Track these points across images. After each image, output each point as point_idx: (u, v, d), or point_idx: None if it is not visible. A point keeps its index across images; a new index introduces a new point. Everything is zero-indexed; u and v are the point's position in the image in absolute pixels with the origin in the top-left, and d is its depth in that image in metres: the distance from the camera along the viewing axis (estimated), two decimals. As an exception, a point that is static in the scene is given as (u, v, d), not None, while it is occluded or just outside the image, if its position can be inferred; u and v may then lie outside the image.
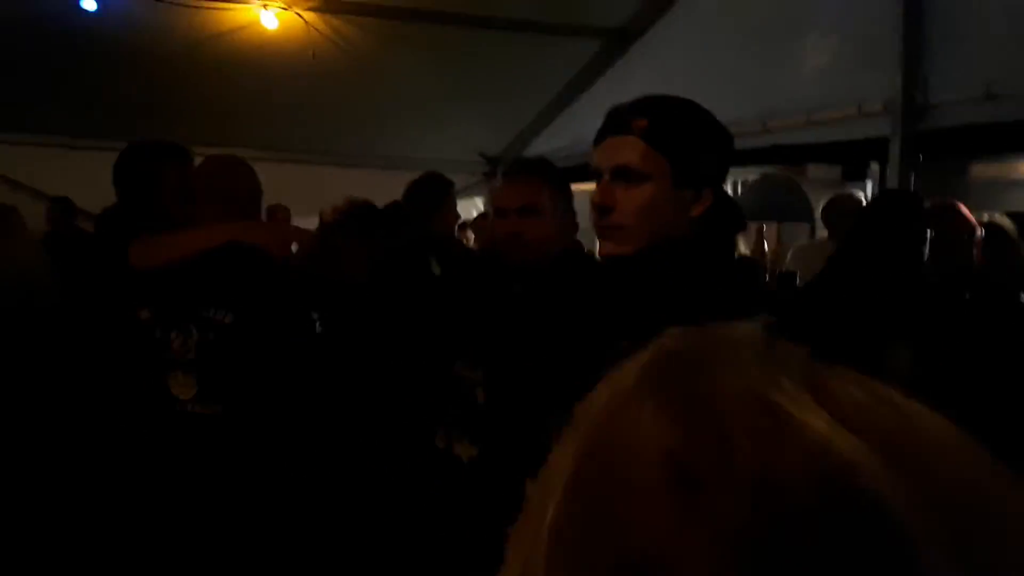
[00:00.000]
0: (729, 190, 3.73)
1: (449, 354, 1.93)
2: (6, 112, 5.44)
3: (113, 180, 2.24)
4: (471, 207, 6.33)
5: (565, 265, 1.85)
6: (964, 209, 2.52)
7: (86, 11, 4.61)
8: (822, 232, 4.13)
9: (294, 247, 2.19)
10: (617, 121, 1.33)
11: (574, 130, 5.53)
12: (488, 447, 1.79)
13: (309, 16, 4.96)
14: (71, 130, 5.60)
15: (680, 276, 1.28)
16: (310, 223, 3.35)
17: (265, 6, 4.85)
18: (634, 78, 5.07)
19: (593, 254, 2.00)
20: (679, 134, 1.29)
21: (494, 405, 1.80)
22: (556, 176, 1.96)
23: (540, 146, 6.11)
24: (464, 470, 1.82)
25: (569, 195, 1.96)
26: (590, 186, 1.36)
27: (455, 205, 3.33)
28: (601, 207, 1.31)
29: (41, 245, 2.67)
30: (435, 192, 3.21)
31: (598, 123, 1.39)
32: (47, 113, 5.44)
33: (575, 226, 1.97)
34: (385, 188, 3.58)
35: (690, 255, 1.30)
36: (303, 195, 4.84)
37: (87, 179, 4.11)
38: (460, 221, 3.56)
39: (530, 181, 1.89)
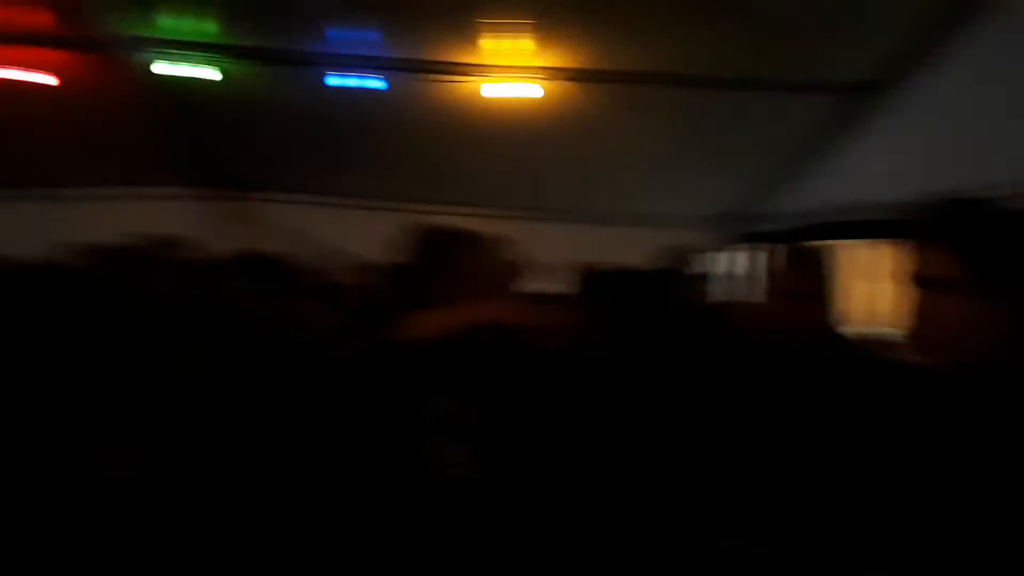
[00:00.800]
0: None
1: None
2: (298, 177, 6.53)
3: (415, 248, 2.34)
4: (701, 265, 6.38)
5: (823, 353, 1.88)
6: None
7: (377, 89, 5.45)
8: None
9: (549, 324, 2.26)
10: (927, 224, 1.25)
11: (810, 189, 5.39)
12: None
13: (555, 85, 5.43)
14: (353, 192, 6.63)
15: (995, 400, 1.18)
16: (553, 280, 3.55)
17: (525, 79, 5.38)
18: (872, 136, 4.80)
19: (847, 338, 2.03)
20: (993, 245, 1.20)
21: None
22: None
23: (771, 206, 6.06)
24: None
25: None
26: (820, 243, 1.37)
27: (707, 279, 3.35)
28: (907, 316, 1.25)
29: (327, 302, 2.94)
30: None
31: (833, 181, 1.40)
32: (333, 177, 6.44)
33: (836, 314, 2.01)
34: (625, 246, 3.77)
35: (1006, 378, 1.19)
36: (546, 254, 5.22)
37: (363, 234, 4.75)
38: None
39: (817, 268, 1.98)
